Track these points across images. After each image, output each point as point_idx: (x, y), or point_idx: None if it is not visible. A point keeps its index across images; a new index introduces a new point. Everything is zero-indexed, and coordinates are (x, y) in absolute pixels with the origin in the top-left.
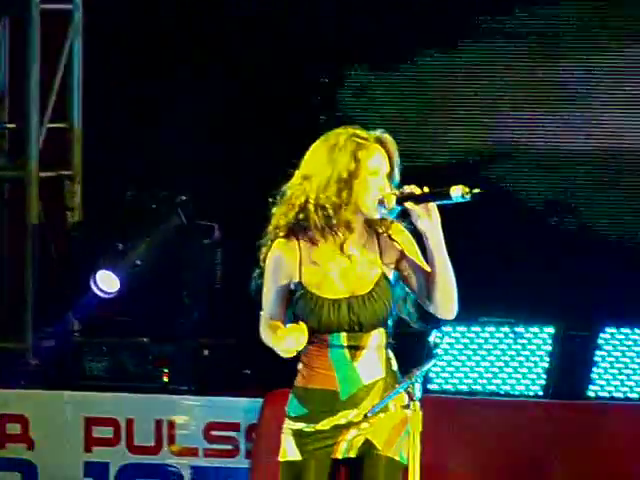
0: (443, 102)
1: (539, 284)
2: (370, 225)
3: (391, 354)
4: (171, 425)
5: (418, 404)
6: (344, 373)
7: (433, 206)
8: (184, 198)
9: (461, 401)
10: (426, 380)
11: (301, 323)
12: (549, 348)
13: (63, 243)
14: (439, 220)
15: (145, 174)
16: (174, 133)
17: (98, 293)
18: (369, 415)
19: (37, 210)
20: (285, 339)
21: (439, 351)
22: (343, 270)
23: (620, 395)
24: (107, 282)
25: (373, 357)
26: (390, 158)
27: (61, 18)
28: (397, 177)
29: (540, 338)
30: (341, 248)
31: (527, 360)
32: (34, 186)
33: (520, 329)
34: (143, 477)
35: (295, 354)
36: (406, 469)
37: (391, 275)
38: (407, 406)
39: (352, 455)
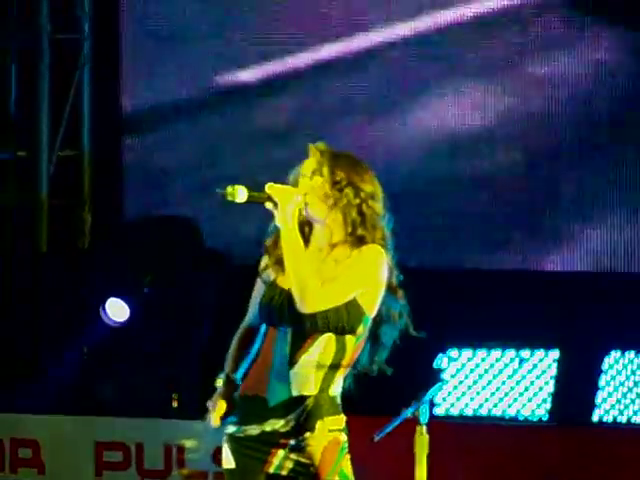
0: None
1: (544, 308)
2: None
3: (338, 379)
4: (180, 449)
5: (424, 428)
6: (276, 379)
7: (285, 206)
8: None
9: (466, 426)
10: (432, 404)
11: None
12: (554, 372)
13: (73, 270)
14: (288, 217)
15: (156, 199)
16: (187, 155)
17: (108, 322)
18: (376, 439)
19: (46, 238)
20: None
21: (445, 375)
22: None
23: (623, 419)
24: (117, 311)
25: (309, 369)
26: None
27: (70, 47)
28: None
29: (545, 362)
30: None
31: (532, 384)
32: (44, 214)
33: (526, 353)
34: None
35: None
36: None
37: (367, 297)
38: (342, 430)
39: (284, 473)
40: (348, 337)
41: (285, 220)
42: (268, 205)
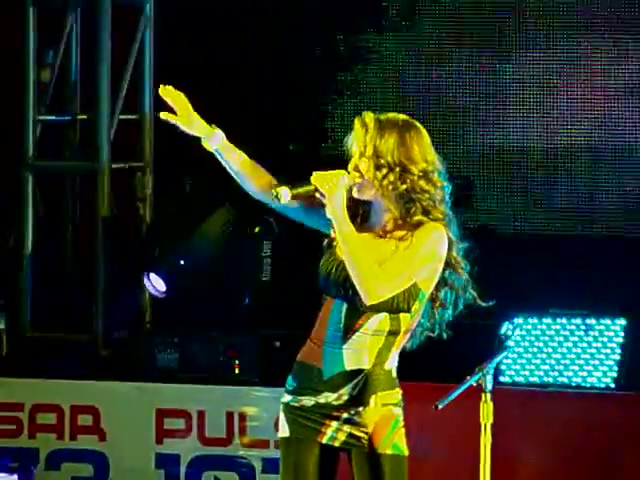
0: None
1: (611, 276)
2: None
3: (394, 354)
4: (242, 417)
5: (489, 396)
6: (331, 351)
7: (332, 197)
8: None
9: (532, 393)
10: (497, 372)
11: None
12: (621, 340)
13: (134, 235)
14: (338, 209)
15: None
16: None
17: (153, 293)
18: (440, 407)
19: (108, 202)
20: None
21: (510, 343)
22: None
23: None
24: (157, 283)
25: (363, 344)
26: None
27: (132, 9)
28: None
29: (612, 330)
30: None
31: (599, 352)
32: (106, 178)
33: (592, 321)
34: (214, 469)
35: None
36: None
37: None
38: (396, 404)
39: (336, 445)
40: (403, 314)
41: (335, 212)
42: (318, 195)
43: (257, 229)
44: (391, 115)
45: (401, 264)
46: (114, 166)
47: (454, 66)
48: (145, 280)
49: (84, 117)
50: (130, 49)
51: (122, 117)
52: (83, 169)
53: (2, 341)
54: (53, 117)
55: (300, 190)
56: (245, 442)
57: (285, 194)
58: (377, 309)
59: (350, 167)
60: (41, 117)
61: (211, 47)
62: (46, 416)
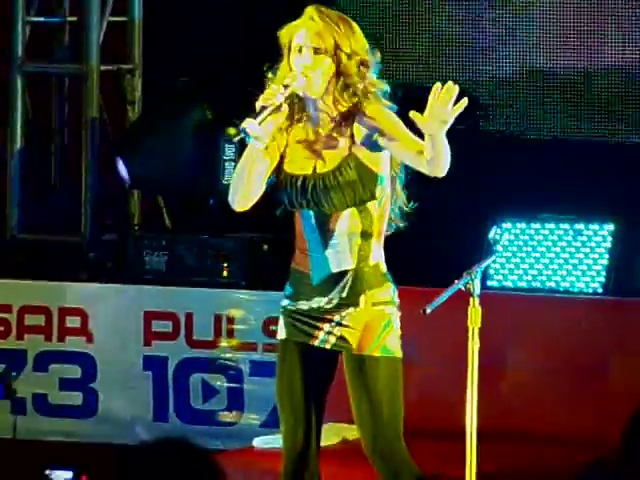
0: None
1: (599, 181)
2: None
3: (375, 246)
4: (230, 320)
5: (477, 300)
6: (316, 257)
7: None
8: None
9: (520, 298)
10: (485, 276)
11: None
12: (609, 245)
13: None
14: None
15: (203, 65)
16: (233, 24)
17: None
18: (428, 311)
19: (97, 104)
20: None
21: (498, 247)
22: (308, 147)
23: None
24: (122, 170)
25: (342, 244)
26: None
27: None
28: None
29: (600, 235)
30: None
31: (587, 257)
32: (95, 79)
33: (580, 226)
34: (202, 371)
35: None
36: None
37: (375, 159)
38: (388, 302)
39: (327, 347)
40: (369, 203)
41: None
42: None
43: (232, 131)
44: (326, 8)
45: (411, 135)
46: (103, 68)
47: None
48: (118, 165)
49: (73, 19)
50: None
51: (111, 19)
52: (72, 71)
53: None
54: (42, 19)
55: (266, 115)
56: (233, 345)
57: (250, 125)
58: (341, 207)
59: (304, 66)
60: (30, 19)
61: None
62: (34, 317)
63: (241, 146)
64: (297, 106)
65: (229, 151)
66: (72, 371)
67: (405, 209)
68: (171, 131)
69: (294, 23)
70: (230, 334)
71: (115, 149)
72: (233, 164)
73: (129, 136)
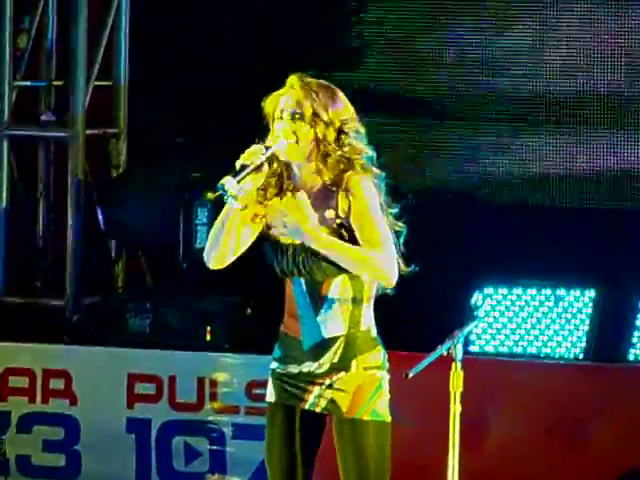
0: None
1: (582, 247)
2: (332, 180)
3: (366, 311)
4: (213, 383)
5: (459, 365)
6: (307, 323)
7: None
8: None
9: (502, 363)
10: (467, 342)
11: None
12: (590, 311)
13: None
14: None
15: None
16: (219, 89)
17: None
18: (410, 375)
19: (82, 167)
20: None
21: (481, 313)
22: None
23: None
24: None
25: (334, 310)
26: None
27: None
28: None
29: (581, 301)
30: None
31: (568, 323)
32: (80, 143)
33: (561, 292)
34: (185, 434)
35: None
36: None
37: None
38: (379, 367)
39: (317, 410)
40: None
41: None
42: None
43: (209, 195)
44: (308, 77)
45: (374, 226)
46: (88, 132)
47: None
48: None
49: (59, 83)
50: (106, 16)
51: (97, 83)
52: (58, 136)
53: None
54: (28, 83)
55: (245, 174)
56: (216, 408)
57: (229, 182)
58: (333, 274)
59: (284, 130)
60: (17, 83)
61: (189, 16)
62: (18, 379)
63: (215, 211)
64: (286, 175)
65: (201, 215)
66: (55, 433)
67: (401, 272)
68: (153, 187)
69: (277, 92)
70: (213, 397)
71: (97, 198)
72: (206, 228)
73: (111, 186)
